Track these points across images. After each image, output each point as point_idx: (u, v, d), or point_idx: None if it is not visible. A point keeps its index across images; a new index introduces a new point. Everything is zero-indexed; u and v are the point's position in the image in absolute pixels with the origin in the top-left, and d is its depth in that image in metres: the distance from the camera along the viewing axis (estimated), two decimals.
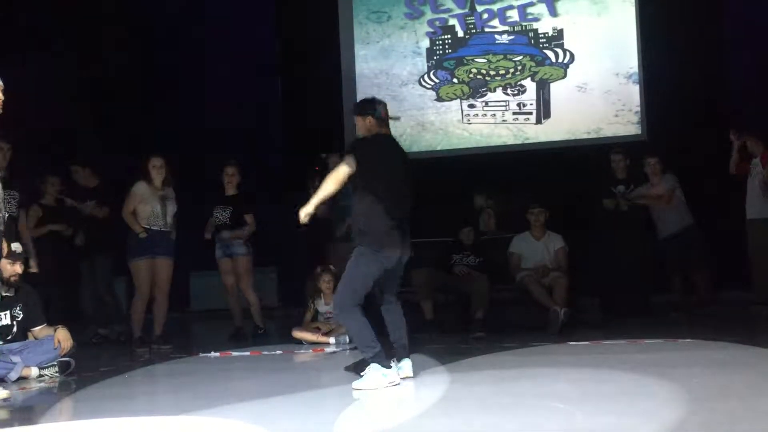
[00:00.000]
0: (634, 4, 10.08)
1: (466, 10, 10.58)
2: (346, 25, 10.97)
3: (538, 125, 10.33)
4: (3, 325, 5.49)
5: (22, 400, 4.66)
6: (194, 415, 3.90)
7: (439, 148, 10.65)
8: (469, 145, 10.53)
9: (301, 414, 3.90)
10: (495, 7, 10.49)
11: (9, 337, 5.47)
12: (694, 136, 9.24)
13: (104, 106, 10.49)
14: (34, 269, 6.34)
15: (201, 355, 6.26)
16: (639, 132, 9.96)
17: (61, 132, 9.49)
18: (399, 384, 4.41)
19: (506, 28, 10.47)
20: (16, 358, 5.21)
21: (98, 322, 7.61)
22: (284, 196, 8.81)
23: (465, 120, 10.60)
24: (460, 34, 10.63)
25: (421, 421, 3.74)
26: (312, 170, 7.65)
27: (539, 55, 10.37)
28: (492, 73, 10.51)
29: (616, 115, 10.07)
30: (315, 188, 7.26)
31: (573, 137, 10.15)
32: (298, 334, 6.65)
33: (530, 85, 10.36)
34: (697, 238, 7.78)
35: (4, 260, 5.23)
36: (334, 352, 6.18)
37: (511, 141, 10.41)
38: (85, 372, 5.42)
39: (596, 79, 10.13)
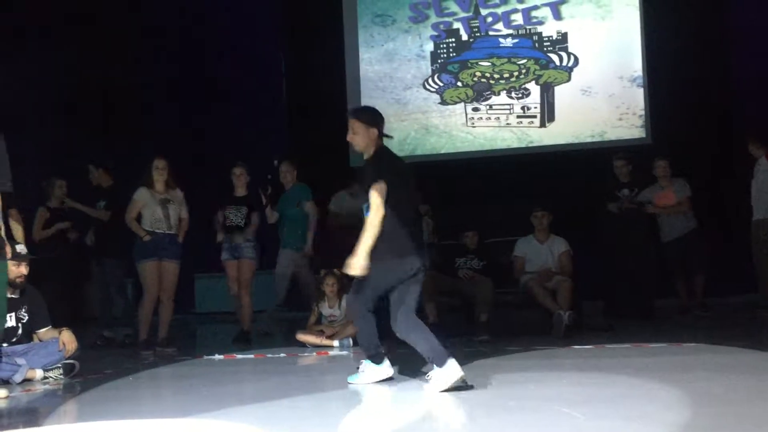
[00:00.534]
0: (638, 7, 10.09)
1: (471, 14, 10.59)
2: (350, 29, 10.98)
3: (542, 128, 10.33)
4: (8, 327, 5.47)
5: (26, 402, 4.67)
6: (199, 417, 3.91)
7: (443, 151, 10.65)
8: (473, 149, 10.53)
9: (304, 417, 3.90)
10: (499, 10, 10.50)
11: (14, 339, 5.46)
12: (698, 138, 9.24)
13: (106, 108, 10.51)
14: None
15: (205, 357, 6.28)
16: (643, 135, 9.96)
17: (62, 134, 9.51)
18: (393, 378, 4.64)
19: (510, 31, 10.48)
20: (20, 360, 5.22)
21: (103, 324, 7.62)
22: None
23: (469, 123, 10.60)
24: (465, 37, 10.64)
25: (425, 424, 3.75)
26: (264, 177, 7.63)
27: (543, 59, 10.37)
28: (496, 76, 10.51)
29: (620, 119, 10.07)
30: (266, 196, 7.38)
31: (577, 140, 10.15)
32: (302, 337, 6.66)
33: (534, 89, 10.36)
34: (699, 241, 7.79)
35: (9, 262, 5.23)
36: (338, 355, 6.19)
37: (515, 144, 10.42)
38: (89, 374, 5.43)
39: (600, 83, 10.13)
